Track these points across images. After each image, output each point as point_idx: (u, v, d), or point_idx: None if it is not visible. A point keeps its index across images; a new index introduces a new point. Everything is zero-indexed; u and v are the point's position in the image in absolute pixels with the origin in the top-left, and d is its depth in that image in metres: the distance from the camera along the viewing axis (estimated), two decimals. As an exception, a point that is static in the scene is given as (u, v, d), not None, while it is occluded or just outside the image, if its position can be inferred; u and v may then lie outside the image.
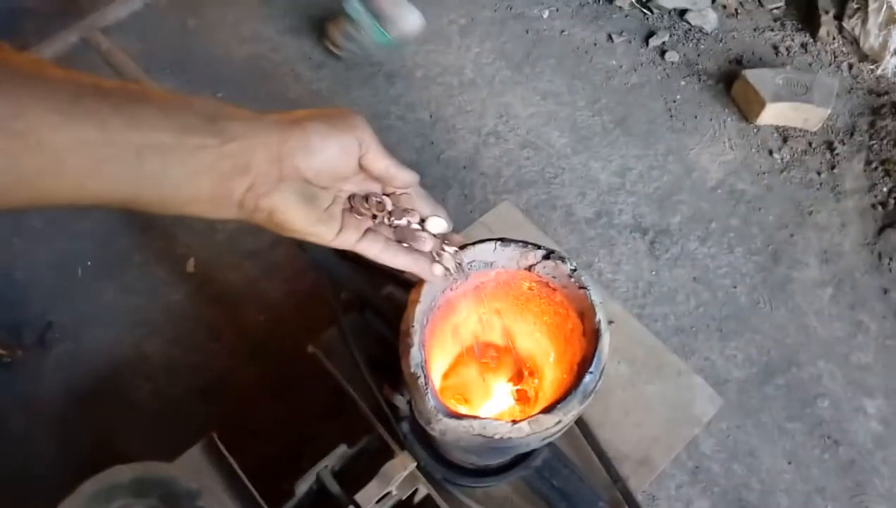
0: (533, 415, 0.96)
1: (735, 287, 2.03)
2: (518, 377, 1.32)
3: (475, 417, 0.96)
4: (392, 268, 0.90)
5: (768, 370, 1.90)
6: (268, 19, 2.51)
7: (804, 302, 2.02)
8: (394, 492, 1.27)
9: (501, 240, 1.09)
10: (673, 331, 1.93)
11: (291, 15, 2.53)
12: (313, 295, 1.91)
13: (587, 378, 0.99)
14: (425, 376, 0.98)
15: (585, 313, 1.07)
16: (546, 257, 1.09)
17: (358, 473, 1.35)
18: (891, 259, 2.11)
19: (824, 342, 1.96)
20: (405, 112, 2.30)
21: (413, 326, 1.01)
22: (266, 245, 2.00)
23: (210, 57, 2.39)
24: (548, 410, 0.96)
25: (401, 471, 1.23)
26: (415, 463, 1.25)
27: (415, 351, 0.99)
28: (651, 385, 1.45)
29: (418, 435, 1.32)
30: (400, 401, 1.32)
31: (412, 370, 0.98)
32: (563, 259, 1.08)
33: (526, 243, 1.10)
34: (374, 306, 1.45)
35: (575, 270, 1.07)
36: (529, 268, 1.11)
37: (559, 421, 0.97)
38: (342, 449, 1.39)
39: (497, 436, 0.95)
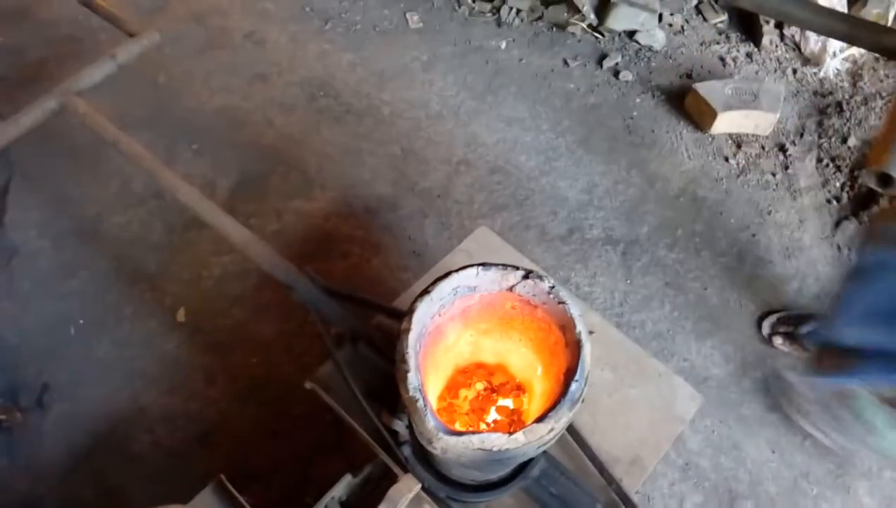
0: (527, 426, 1.03)
1: (705, 289, 2.13)
2: (509, 392, 1.39)
3: (473, 432, 1.02)
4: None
5: (744, 365, 1.99)
6: (235, 70, 2.59)
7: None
8: (401, 514, 1.32)
9: (483, 264, 1.17)
10: (651, 337, 2.02)
11: (260, 63, 2.61)
12: (302, 333, 1.97)
13: (573, 386, 1.06)
14: (423, 398, 1.05)
15: (566, 326, 1.15)
16: (525, 277, 1.17)
17: (364, 501, 1.40)
18: (849, 249, 2.23)
19: (794, 333, 2.06)
20: (376, 148, 2.38)
21: (408, 352, 1.08)
22: (252, 288, 2.05)
23: (183, 110, 2.46)
24: (540, 419, 1.04)
25: (406, 493, 1.29)
26: (419, 485, 1.31)
27: (412, 376, 1.06)
28: (634, 388, 1.53)
29: (420, 458, 1.38)
30: (399, 426, 1.38)
31: (411, 394, 1.05)
32: (541, 277, 1.17)
33: (506, 266, 1.18)
34: (365, 337, 1.51)
35: (553, 287, 1.16)
36: (511, 289, 1.19)
37: (552, 429, 1.04)
38: (348, 479, 1.44)
39: (496, 448, 1.02)
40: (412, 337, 1.10)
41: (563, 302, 1.14)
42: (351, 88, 2.55)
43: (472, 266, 1.17)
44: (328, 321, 1.56)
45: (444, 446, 1.03)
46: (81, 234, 2.14)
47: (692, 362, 1.99)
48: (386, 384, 1.49)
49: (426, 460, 1.38)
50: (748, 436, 1.88)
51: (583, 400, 1.07)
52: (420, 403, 1.04)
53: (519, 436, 1.02)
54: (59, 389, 1.85)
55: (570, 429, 1.42)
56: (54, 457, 1.75)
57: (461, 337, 1.32)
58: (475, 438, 1.02)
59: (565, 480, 1.37)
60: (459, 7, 2.84)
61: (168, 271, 2.09)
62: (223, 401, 1.87)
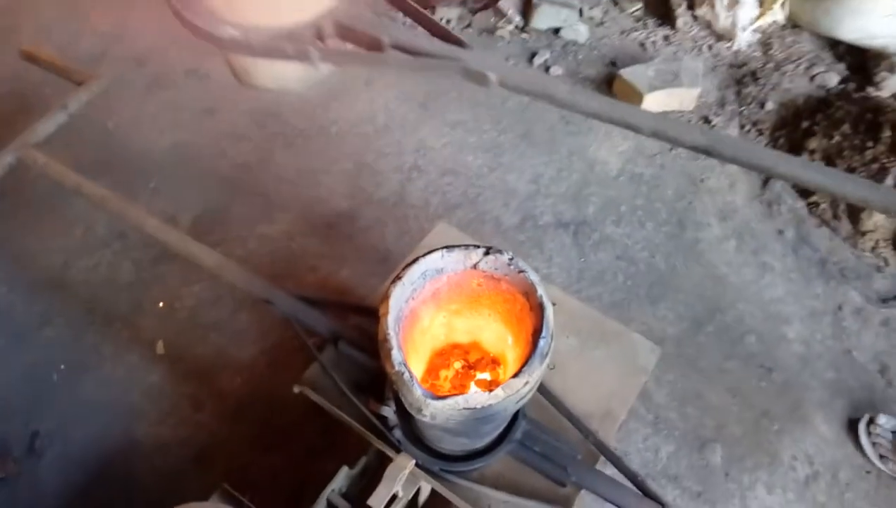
0: (505, 382, 1.14)
1: (653, 257, 2.29)
2: (485, 367, 1.50)
3: (458, 394, 1.13)
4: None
5: (697, 321, 2.15)
6: (182, 107, 2.66)
7: (714, 257, 2.29)
8: (400, 493, 1.41)
9: (447, 247, 1.29)
10: (609, 307, 2.16)
11: (206, 98, 2.69)
12: (282, 349, 2.04)
13: (541, 342, 1.18)
14: (408, 371, 1.15)
15: (529, 292, 1.26)
16: (486, 253, 1.29)
17: (364, 490, 1.49)
18: (778, 204, 2.42)
19: (738, 287, 2.23)
20: (330, 166, 2.48)
21: (388, 333, 1.18)
22: (227, 313, 2.12)
23: (137, 152, 2.52)
24: (516, 375, 1.15)
25: (402, 470, 1.38)
26: (413, 461, 1.40)
27: (395, 353, 1.16)
28: (598, 350, 1.66)
29: (411, 438, 1.47)
30: (387, 411, 1.48)
31: (396, 368, 1.15)
32: (500, 251, 1.28)
33: (467, 246, 1.29)
34: (345, 337, 1.60)
35: (512, 258, 1.28)
36: (475, 266, 1.31)
37: (527, 382, 1.15)
38: (345, 471, 1.53)
39: (479, 405, 1.12)
40: (391, 319, 1.20)
41: (522, 271, 1.26)
42: (299, 113, 2.65)
43: (437, 250, 1.28)
44: (308, 328, 1.64)
45: (433, 411, 1.13)
46: (51, 283, 2.18)
47: (649, 324, 2.13)
48: (370, 378, 1.59)
49: (417, 439, 1.48)
50: (709, 385, 2.03)
51: (551, 355, 1.19)
52: (406, 375, 1.14)
53: (499, 392, 1.13)
54: (50, 435, 1.89)
55: (545, 392, 1.53)
56: (55, 502, 1.79)
57: (435, 319, 1.42)
58: (460, 399, 1.12)
59: (546, 438, 1.48)
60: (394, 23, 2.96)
61: (141, 307, 2.14)
62: (213, 424, 1.93)
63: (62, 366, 2.00)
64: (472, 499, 1.43)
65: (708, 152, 1.12)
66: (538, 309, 1.23)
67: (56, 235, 2.27)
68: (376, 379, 1.56)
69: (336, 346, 1.61)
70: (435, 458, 1.45)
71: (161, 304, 2.14)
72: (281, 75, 1.38)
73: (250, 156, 2.51)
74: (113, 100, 2.64)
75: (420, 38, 1.19)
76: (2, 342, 2.05)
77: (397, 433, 1.47)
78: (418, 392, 1.13)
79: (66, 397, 1.96)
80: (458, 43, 1.19)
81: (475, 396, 1.12)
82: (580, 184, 2.46)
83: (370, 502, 1.35)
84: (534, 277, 1.26)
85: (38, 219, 2.30)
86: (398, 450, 1.45)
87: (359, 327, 1.65)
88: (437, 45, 1.19)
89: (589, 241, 2.32)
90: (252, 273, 1.67)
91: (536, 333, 1.21)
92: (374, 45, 1.19)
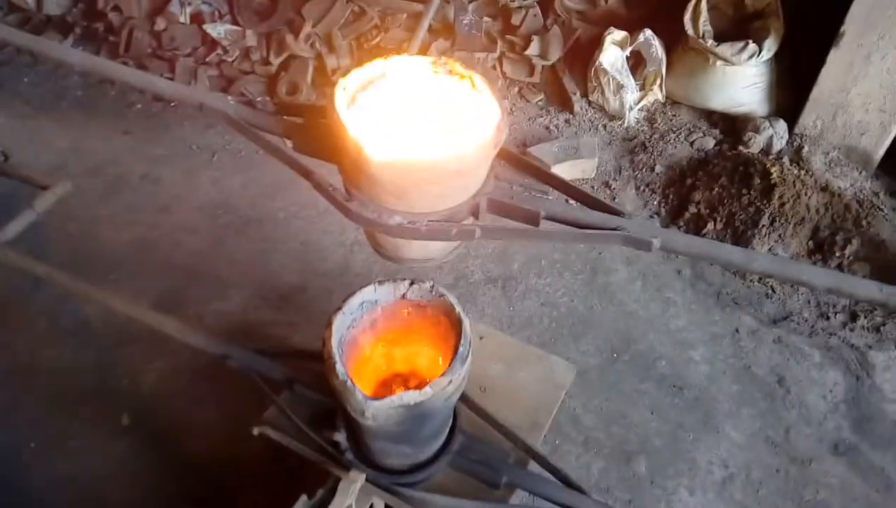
0: (432, 381, 1.37)
1: (572, 301, 2.58)
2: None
3: (393, 394, 1.35)
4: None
5: (614, 352, 2.43)
6: (138, 207, 2.91)
7: (624, 296, 2.61)
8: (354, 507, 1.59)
9: (378, 281, 1.55)
10: (537, 346, 2.41)
11: (160, 197, 2.95)
12: (240, 407, 2.20)
13: (461, 349, 1.43)
14: (350, 380, 1.37)
15: (449, 312, 1.52)
16: (411, 284, 1.55)
17: (322, 519, 1.65)
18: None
19: (647, 320, 2.53)
20: (279, 246, 2.74)
21: (333, 352, 1.41)
22: (187, 383, 2.28)
23: (97, 250, 2.72)
24: (442, 376, 1.39)
25: (354, 483, 1.57)
26: (364, 476, 1.59)
27: (339, 367, 1.39)
28: (522, 372, 1.91)
29: (361, 458, 1.66)
30: (339, 437, 1.67)
31: (340, 378, 1.37)
32: (422, 281, 1.55)
33: (395, 279, 1.56)
34: (299, 380, 1.81)
35: (433, 285, 1.54)
36: (403, 296, 1.56)
37: (451, 381, 1.39)
38: (304, 499, 1.69)
39: (412, 402, 1.35)
40: (335, 342, 1.43)
41: (442, 295, 1.52)
42: (247, 203, 2.93)
43: (370, 283, 1.54)
44: (264, 376, 1.84)
45: (374, 412, 1.35)
46: (18, 372, 2.31)
47: (574, 359, 2.39)
48: (323, 413, 1.79)
49: (366, 458, 1.67)
50: (630, 406, 2.29)
51: (470, 359, 1.43)
52: (349, 383, 1.36)
53: (427, 390, 1.36)
54: (21, 509, 1.98)
55: (478, 410, 1.75)
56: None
57: (375, 350, 1.66)
58: (395, 398, 1.35)
59: (481, 447, 1.69)
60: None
61: (106, 385, 2.29)
62: (179, 484, 2.06)
63: (32, 445, 2.11)
64: (419, 507, 1.61)
65: (885, 306, 1.10)
66: (457, 324, 1.49)
67: (21, 326, 2.43)
68: (329, 415, 1.76)
69: (292, 389, 1.81)
70: (384, 473, 1.64)
71: (124, 381, 2.29)
72: (426, 250, 1.41)
73: (204, 244, 2.76)
74: (72, 206, 2.85)
75: (575, 209, 1.22)
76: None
77: (349, 455, 1.65)
78: (359, 395, 1.35)
79: (40, 473, 2.06)
80: (616, 212, 1.21)
81: (408, 394, 1.35)
82: (504, 246, 2.78)
83: (327, 514, 1.53)
84: (452, 299, 1.52)
85: (2, 313, 2.46)
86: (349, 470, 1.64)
87: (311, 370, 1.85)
88: (594, 215, 1.21)
89: (516, 293, 2.61)
90: (208, 334, 1.88)
91: (457, 343, 1.45)
92: (530, 219, 1.22)
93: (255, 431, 1.79)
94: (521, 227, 1.23)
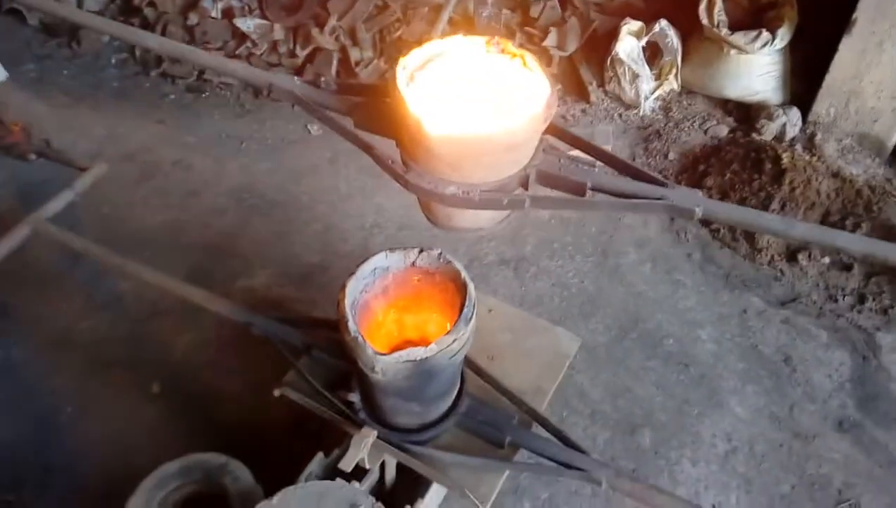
0: (438, 339, 1.47)
1: (583, 282, 2.66)
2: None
3: (401, 349, 1.45)
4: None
5: (622, 330, 2.50)
6: (169, 192, 3.05)
7: (633, 278, 2.68)
8: (367, 464, 1.69)
9: (389, 249, 1.65)
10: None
11: (190, 183, 3.09)
12: (263, 377, 2.33)
13: (465, 310, 1.53)
14: (361, 336, 1.47)
15: (455, 278, 1.62)
16: (420, 252, 1.65)
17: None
18: (685, 233, 2.84)
19: (656, 301, 2.60)
20: (302, 228, 2.87)
21: (346, 312, 1.51)
22: (214, 354, 2.41)
23: (129, 230, 2.87)
24: (447, 334, 1.48)
25: (367, 438, 1.67)
26: (375, 432, 1.69)
27: (351, 324, 1.49)
28: (529, 341, 1.99)
29: (373, 417, 1.77)
30: (354, 397, 1.78)
31: (352, 335, 1.48)
32: (431, 249, 1.65)
33: (405, 247, 1.66)
34: (317, 346, 1.92)
35: (441, 253, 1.64)
36: (413, 264, 1.67)
37: (455, 339, 1.48)
38: (320, 457, 1.80)
39: (418, 358, 1.45)
40: (348, 303, 1.54)
41: (449, 261, 1.62)
42: (273, 188, 3.06)
43: (381, 252, 1.64)
44: (285, 342, 1.96)
45: (383, 367, 1.46)
46: (57, 343, 2.47)
47: (583, 337, 2.45)
48: (339, 377, 1.90)
49: (379, 418, 1.77)
50: (636, 381, 2.36)
51: (474, 320, 1.52)
52: (360, 340, 1.46)
53: (433, 346, 1.46)
54: (59, 469, 2.12)
55: (485, 375, 1.85)
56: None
57: (387, 316, 1.76)
58: (402, 353, 1.45)
59: (487, 409, 1.78)
60: (350, 113, 3.45)
61: (138, 356, 2.43)
62: (207, 450, 2.18)
63: (69, 409, 2.26)
64: (427, 463, 1.71)
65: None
66: (462, 288, 1.58)
67: (60, 301, 2.58)
68: (344, 378, 1.87)
69: (310, 354, 1.92)
70: (395, 431, 1.74)
71: (155, 352, 2.43)
72: (477, 219, 1.48)
73: (231, 226, 2.89)
74: (107, 190, 3.00)
75: (620, 180, 1.27)
76: (16, 391, 2.31)
77: (362, 414, 1.76)
78: (370, 351, 1.45)
79: (74, 436, 2.21)
80: (659, 183, 1.25)
81: (415, 350, 1.45)
82: (518, 227, 2.86)
83: (340, 465, 1.63)
84: (458, 265, 1.61)
85: (43, 289, 2.62)
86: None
87: (328, 337, 1.96)
88: (638, 185, 1.25)
89: (528, 274, 2.69)
90: (234, 303, 2.00)
91: (462, 304, 1.55)
92: (576, 189, 1.27)
93: (277, 392, 1.91)
94: (568, 197, 1.30)
